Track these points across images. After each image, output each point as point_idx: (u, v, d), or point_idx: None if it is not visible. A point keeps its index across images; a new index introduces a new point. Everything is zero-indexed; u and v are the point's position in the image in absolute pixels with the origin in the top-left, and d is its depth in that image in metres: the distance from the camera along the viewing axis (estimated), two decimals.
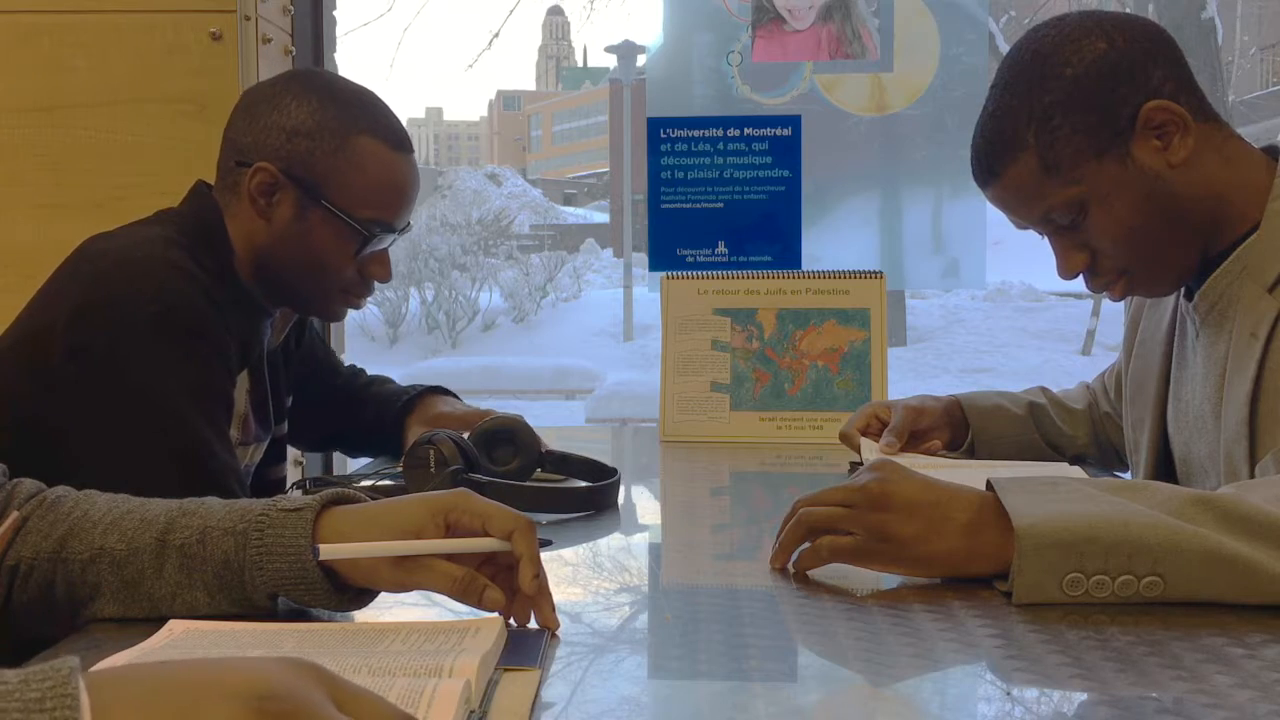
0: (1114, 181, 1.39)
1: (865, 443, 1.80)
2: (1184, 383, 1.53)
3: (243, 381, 1.58)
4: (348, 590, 0.99)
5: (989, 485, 1.11)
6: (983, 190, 1.49)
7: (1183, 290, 1.51)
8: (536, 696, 0.83)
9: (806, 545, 1.14)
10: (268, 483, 1.74)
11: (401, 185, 1.58)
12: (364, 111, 1.56)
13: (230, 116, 1.60)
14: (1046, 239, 1.48)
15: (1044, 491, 1.08)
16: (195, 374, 1.42)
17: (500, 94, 74.98)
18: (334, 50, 2.60)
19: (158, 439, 1.39)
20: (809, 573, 1.13)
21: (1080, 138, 1.38)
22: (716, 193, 2.56)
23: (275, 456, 1.76)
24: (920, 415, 1.82)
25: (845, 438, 1.85)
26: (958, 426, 1.85)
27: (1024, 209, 1.45)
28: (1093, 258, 1.45)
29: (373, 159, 1.54)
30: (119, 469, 1.35)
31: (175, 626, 0.93)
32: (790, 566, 1.15)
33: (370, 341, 15.18)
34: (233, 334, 1.49)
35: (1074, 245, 1.45)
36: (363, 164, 1.54)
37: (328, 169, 1.53)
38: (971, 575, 1.09)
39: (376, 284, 1.64)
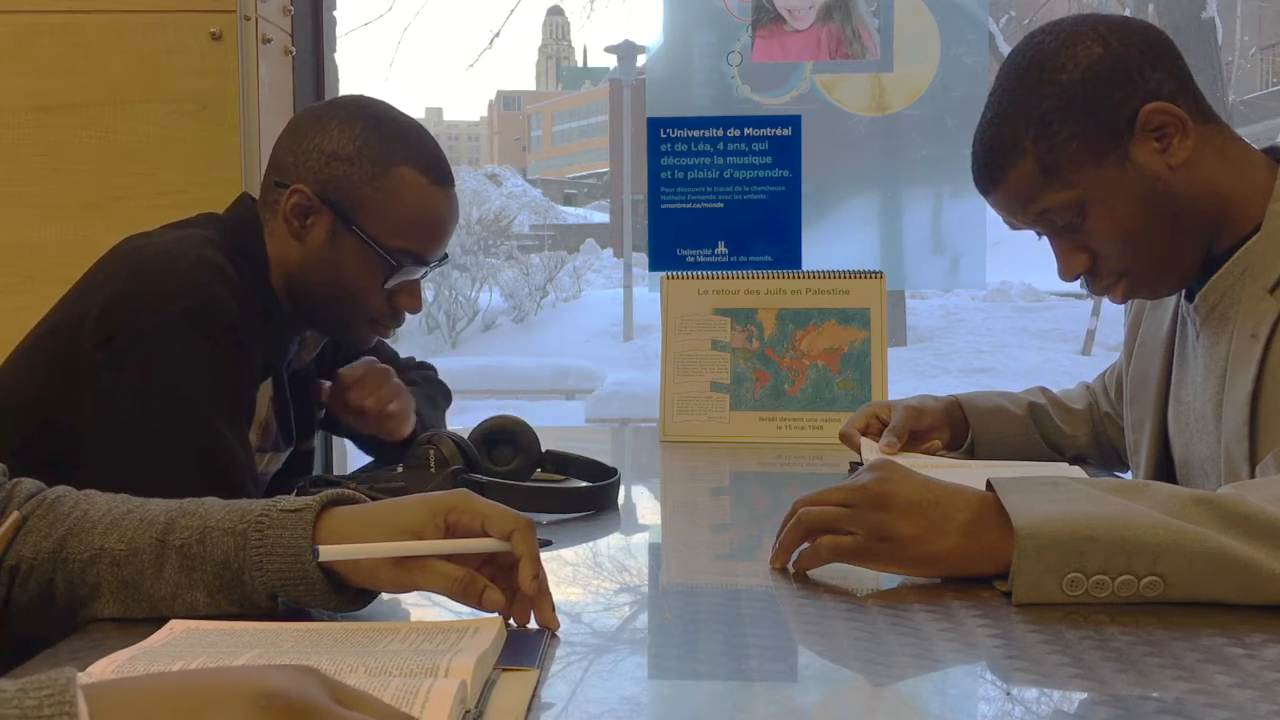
0: (1113, 184, 1.39)
1: (865, 442, 1.80)
2: (1184, 384, 1.53)
3: (266, 389, 1.58)
4: (347, 591, 0.99)
5: (989, 485, 1.11)
6: (984, 196, 1.49)
7: (1183, 291, 1.51)
8: (534, 696, 0.83)
9: (806, 545, 1.14)
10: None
11: (437, 218, 1.58)
12: (406, 142, 1.56)
13: (279, 135, 1.61)
14: (1048, 241, 1.48)
15: (1044, 491, 1.08)
16: (221, 372, 1.43)
17: (500, 94, 74.97)
18: (334, 50, 2.60)
19: (177, 432, 1.39)
20: (809, 573, 1.13)
21: (1078, 143, 1.38)
22: (716, 193, 2.56)
23: (301, 470, 1.76)
24: (920, 415, 1.82)
25: (845, 437, 1.85)
26: (958, 426, 1.85)
27: (1023, 212, 1.45)
28: (1093, 260, 1.45)
29: (410, 190, 1.54)
30: (135, 460, 1.37)
31: (175, 625, 0.94)
32: (790, 567, 1.15)
33: None
34: (261, 340, 1.49)
35: (1074, 248, 1.45)
36: (399, 194, 1.54)
37: (363, 196, 1.53)
38: (971, 575, 1.09)
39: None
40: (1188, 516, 1.03)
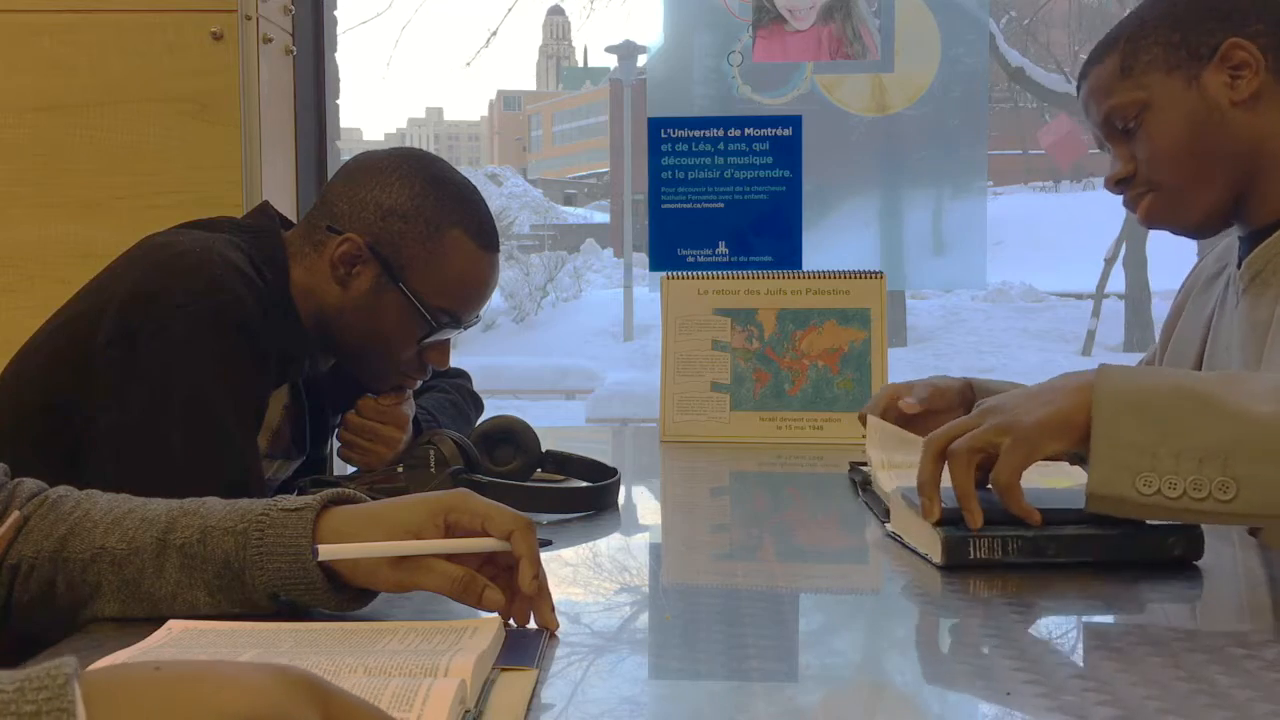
0: (1174, 98, 1.47)
1: (872, 421, 1.78)
2: (1217, 354, 1.56)
3: (282, 396, 1.57)
4: (347, 590, 0.99)
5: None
6: (1078, 87, 1.59)
7: (1230, 271, 1.55)
8: (533, 696, 0.83)
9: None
10: None
11: (481, 283, 1.60)
12: (461, 205, 1.58)
13: (333, 176, 1.62)
14: (1110, 148, 1.56)
15: (1145, 371, 1.10)
16: (235, 373, 1.43)
17: (500, 94, 74.97)
18: (335, 50, 2.60)
19: (186, 430, 1.38)
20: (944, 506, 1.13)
21: (1159, 49, 1.48)
22: (717, 193, 2.56)
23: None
24: (938, 396, 1.82)
25: (863, 418, 1.84)
26: (970, 410, 1.85)
27: (1095, 106, 1.54)
28: (1135, 170, 1.52)
29: (459, 253, 1.56)
30: (142, 455, 1.36)
31: (174, 626, 0.93)
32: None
33: None
34: (278, 346, 1.50)
35: (1126, 155, 1.53)
36: (449, 256, 1.56)
37: (413, 255, 1.55)
38: (1064, 449, 1.09)
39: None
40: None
